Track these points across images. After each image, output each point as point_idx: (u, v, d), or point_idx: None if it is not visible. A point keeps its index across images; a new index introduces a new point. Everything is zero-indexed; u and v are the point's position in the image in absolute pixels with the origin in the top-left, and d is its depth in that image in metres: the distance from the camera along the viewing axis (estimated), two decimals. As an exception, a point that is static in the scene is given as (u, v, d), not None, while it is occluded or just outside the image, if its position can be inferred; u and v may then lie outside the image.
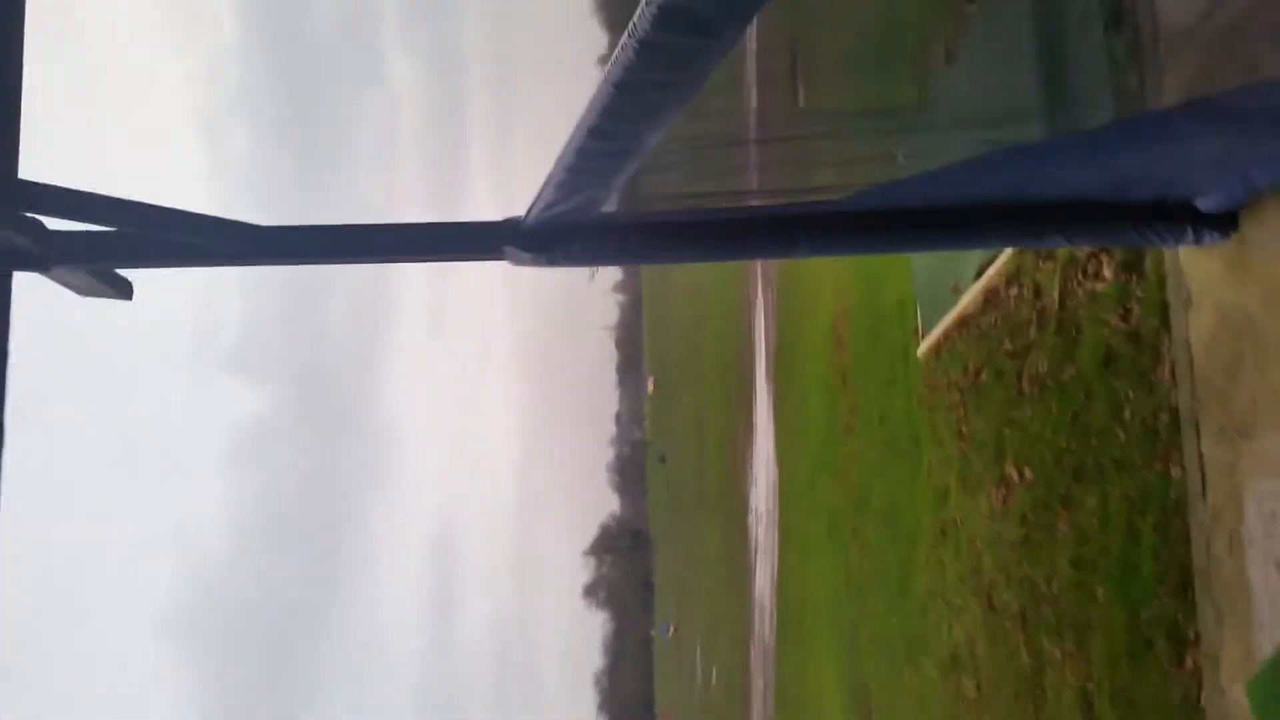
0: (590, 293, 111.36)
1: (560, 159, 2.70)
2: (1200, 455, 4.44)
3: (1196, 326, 4.33)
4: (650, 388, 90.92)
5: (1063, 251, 6.56)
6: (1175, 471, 5.02)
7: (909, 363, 10.95)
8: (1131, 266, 5.59)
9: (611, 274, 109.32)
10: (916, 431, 10.73)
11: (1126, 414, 5.78)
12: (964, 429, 8.89)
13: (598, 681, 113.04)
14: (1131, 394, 5.68)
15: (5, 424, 2.52)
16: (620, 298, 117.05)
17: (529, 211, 3.26)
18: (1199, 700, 4.87)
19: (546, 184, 3.11)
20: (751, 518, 30.42)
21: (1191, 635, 4.98)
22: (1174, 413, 4.99)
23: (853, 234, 3.62)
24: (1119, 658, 5.88)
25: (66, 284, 3.02)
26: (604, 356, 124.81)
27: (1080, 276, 6.29)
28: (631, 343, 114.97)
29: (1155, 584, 5.43)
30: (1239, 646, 4.29)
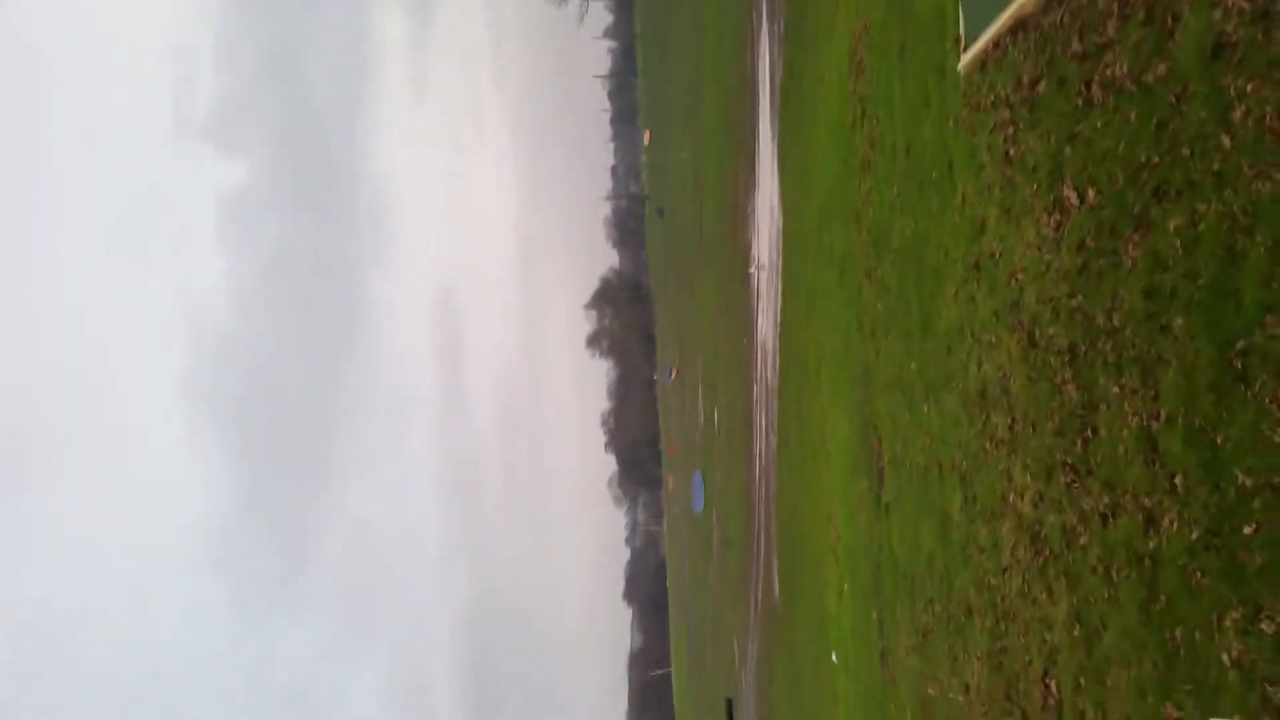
0: (580, 38, 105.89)
1: None
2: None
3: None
4: (646, 140, 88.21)
5: (1166, -83, 5.39)
6: (1309, 175, 4.17)
7: (945, 82, 9.82)
8: (1267, -78, 4.49)
9: (602, 17, 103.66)
10: (950, 159, 9.77)
11: (1237, 115, 4.87)
12: (1011, 151, 7.95)
13: (604, 422, 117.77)
14: (1248, 89, 4.74)
15: None
16: (611, 44, 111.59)
17: None
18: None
19: None
20: (754, 267, 29.84)
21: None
22: (1315, 103, 4.08)
23: None
24: (1199, 393, 5.27)
25: None
26: (596, 109, 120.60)
27: (1187, -53, 5.17)
28: (624, 92, 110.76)
29: (1260, 311, 4.72)
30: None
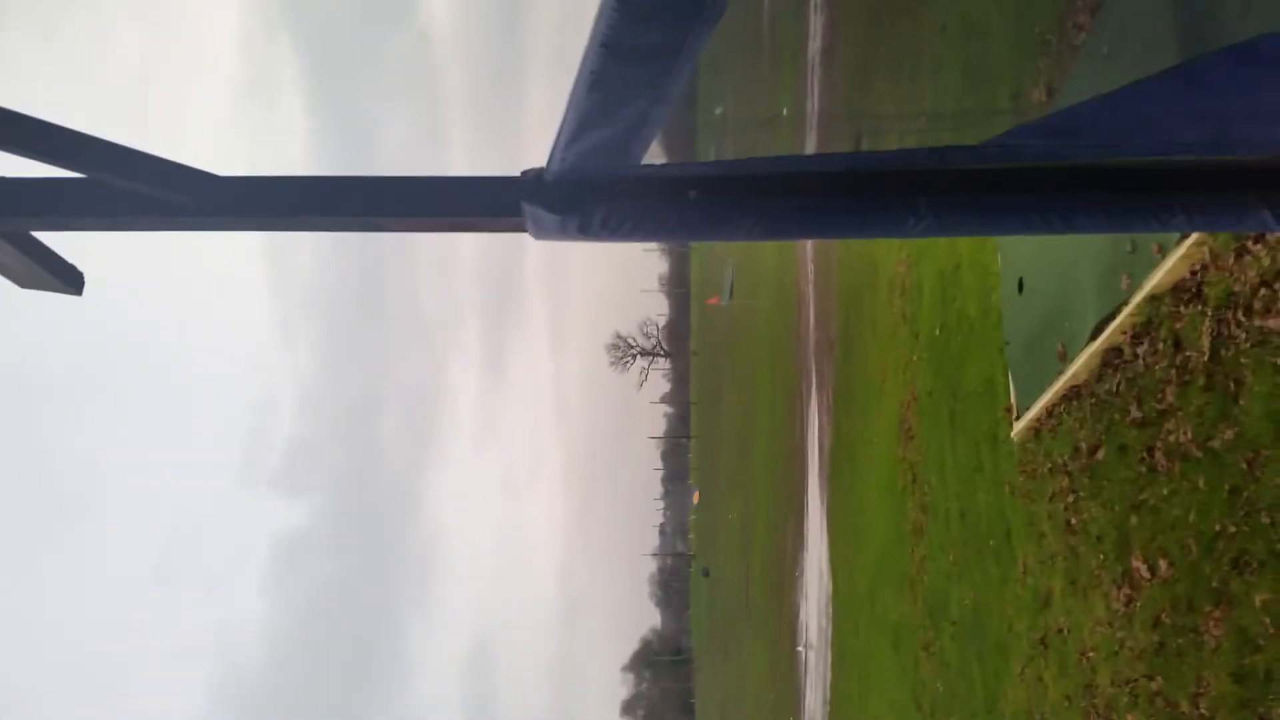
0: (639, 402, 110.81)
1: (582, 65, 1.80)
2: None
3: None
4: (695, 499, 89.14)
5: (1215, 290, 5.49)
6: None
7: (999, 449, 9.75)
8: (1323, 294, 4.51)
9: (659, 385, 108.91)
10: (1008, 527, 9.46)
11: (1316, 482, 4.61)
12: (1073, 519, 7.65)
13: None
14: (1325, 455, 4.52)
15: None
16: (668, 409, 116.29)
17: (552, 155, 2.25)
18: None
19: (569, 108, 2.12)
20: (801, 634, 28.61)
21: None
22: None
23: (986, 196, 2.52)
24: (1316, 799, 4.57)
25: None
26: (648, 467, 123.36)
27: (1241, 316, 5.20)
28: (677, 454, 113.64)
29: (1375, 700, 4.17)
30: None
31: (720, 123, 56.53)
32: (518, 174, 2.29)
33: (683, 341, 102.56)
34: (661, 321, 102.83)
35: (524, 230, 2.34)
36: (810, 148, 25.15)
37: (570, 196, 2.22)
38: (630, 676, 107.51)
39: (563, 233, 2.28)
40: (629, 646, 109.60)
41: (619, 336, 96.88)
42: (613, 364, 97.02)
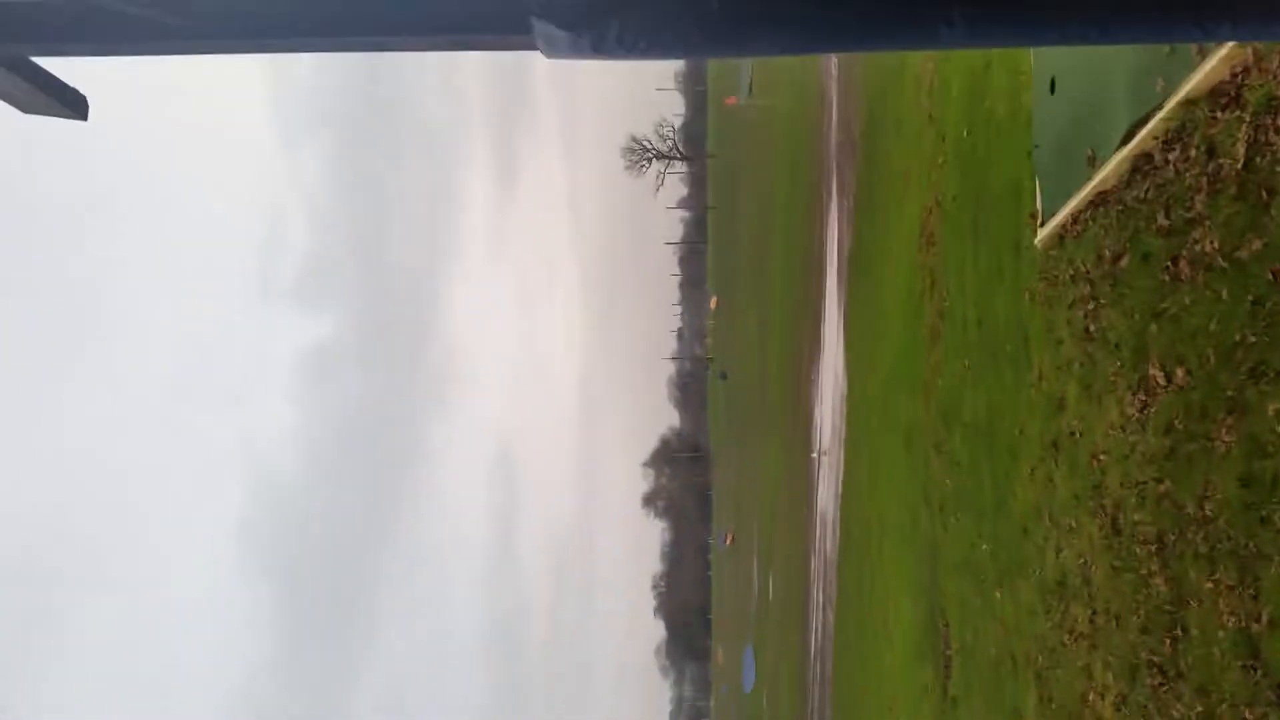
0: (655, 207, 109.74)
1: None
2: None
3: None
4: (713, 305, 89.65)
5: (1256, 94, 5.27)
6: None
7: (1021, 256, 9.67)
8: (1370, 100, 4.32)
9: (676, 189, 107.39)
10: (1025, 334, 9.51)
11: (1342, 294, 4.57)
12: (1092, 327, 7.67)
13: (655, 585, 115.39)
14: (1355, 267, 4.46)
15: None
16: (684, 213, 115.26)
17: None
18: None
19: None
20: (815, 434, 29.42)
21: None
22: None
23: (1021, 6, 2.37)
24: (1309, 595, 4.78)
25: None
26: (666, 273, 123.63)
27: (1282, 124, 5.01)
28: (695, 260, 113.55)
29: (1378, 505, 4.29)
30: None
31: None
32: None
33: (700, 144, 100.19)
34: (678, 123, 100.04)
35: (535, 48, 2.23)
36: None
37: (583, 11, 2.10)
38: (650, 472, 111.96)
39: (576, 51, 2.17)
40: (649, 444, 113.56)
41: (634, 139, 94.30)
42: (628, 168, 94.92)
